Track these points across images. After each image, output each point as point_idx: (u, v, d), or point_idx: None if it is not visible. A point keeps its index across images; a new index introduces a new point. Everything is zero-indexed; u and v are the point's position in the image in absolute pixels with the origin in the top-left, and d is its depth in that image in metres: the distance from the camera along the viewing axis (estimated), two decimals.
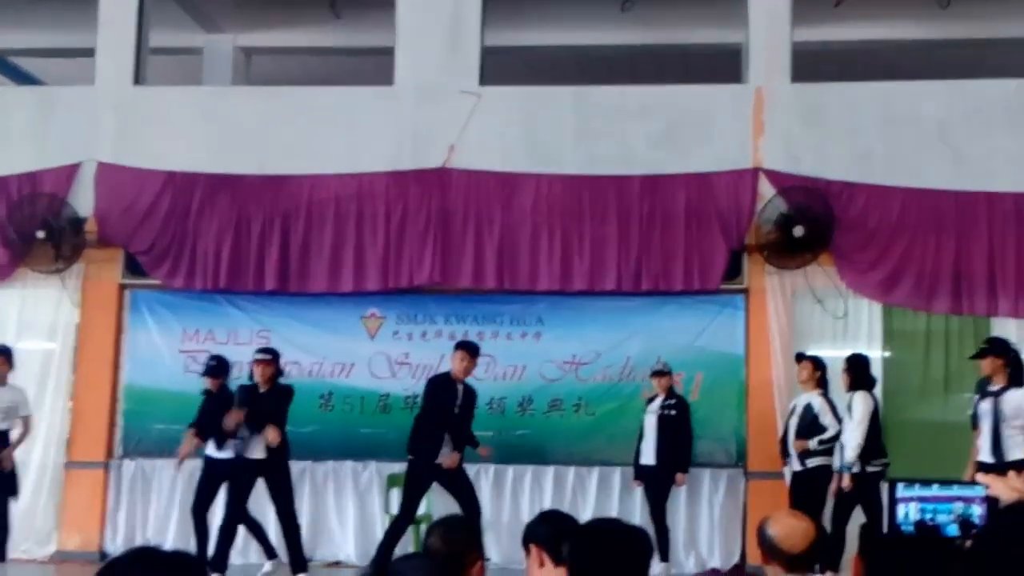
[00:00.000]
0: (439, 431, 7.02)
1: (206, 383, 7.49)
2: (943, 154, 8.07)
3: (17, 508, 8.34)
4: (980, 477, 2.30)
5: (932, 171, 8.05)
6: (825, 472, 7.07)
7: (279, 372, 7.25)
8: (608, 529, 2.51)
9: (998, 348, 6.55)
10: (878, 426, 7.08)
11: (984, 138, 8.04)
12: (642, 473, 7.62)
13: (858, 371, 7.19)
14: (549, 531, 2.85)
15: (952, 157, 8.05)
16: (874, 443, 6.99)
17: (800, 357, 7.40)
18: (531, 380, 8.14)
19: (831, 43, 9.15)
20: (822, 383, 7.28)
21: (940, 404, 8.05)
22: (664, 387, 7.64)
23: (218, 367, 7.47)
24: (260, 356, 7.23)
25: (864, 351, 8.02)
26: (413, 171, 8.37)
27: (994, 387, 6.48)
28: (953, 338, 8.05)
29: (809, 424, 7.16)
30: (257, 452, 7.06)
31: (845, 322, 8.11)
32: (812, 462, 7.13)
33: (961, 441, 7.85)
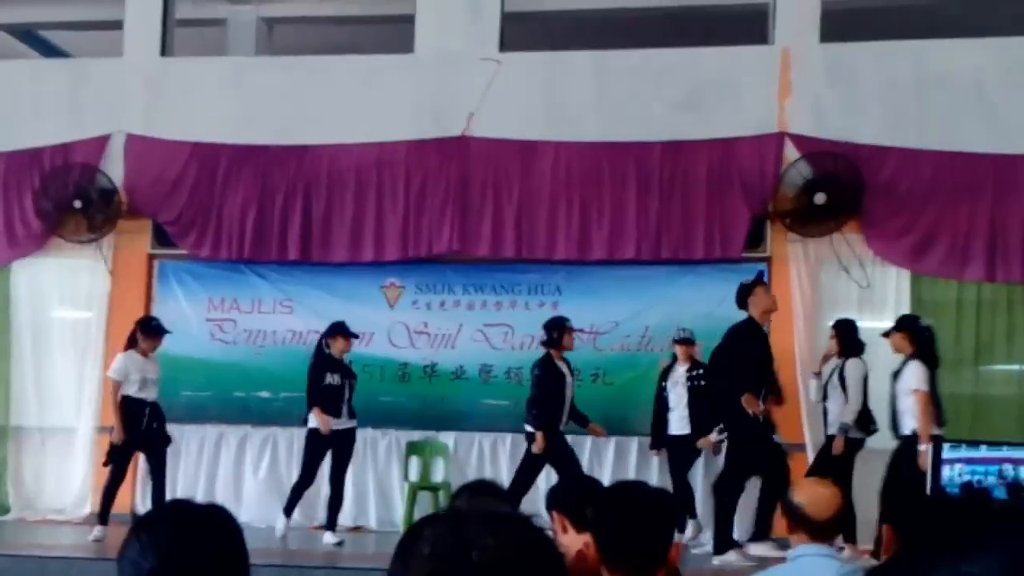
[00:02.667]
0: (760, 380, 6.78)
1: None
2: (979, 115, 7.73)
3: (56, 472, 8.70)
4: None
5: (968, 133, 7.73)
6: (853, 445, 6.93)
7: None
8: (633, 493, 2.48)
9: None
10: (866, 394, 6.97)
11: (1022, 97, 7.68)
12: (671, 443, 7.55)
13: (847, 337, 7.07)
14: (571, 497, 2.83)
15: (989, 118, 7.71)
16: (862, 411, 6.89)
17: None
18: None
19: (862, 0, 8.80)
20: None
21: (971, 376, 7.77)
22: (687, 355, 7.55)
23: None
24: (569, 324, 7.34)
25: (892, 321, 7.81)
26: (433, 139, 8.33)
27: None
28: (985, 307, 7.76)
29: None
30: None
31: (871, 292, 7.88)
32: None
33: (994, 414, 7.61)
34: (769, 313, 6.98)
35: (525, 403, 7.28)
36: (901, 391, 6.65)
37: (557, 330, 7.29)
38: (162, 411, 7.51)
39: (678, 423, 7.52)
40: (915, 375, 6.57)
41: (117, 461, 7.34)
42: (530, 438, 7.20)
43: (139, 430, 7.31)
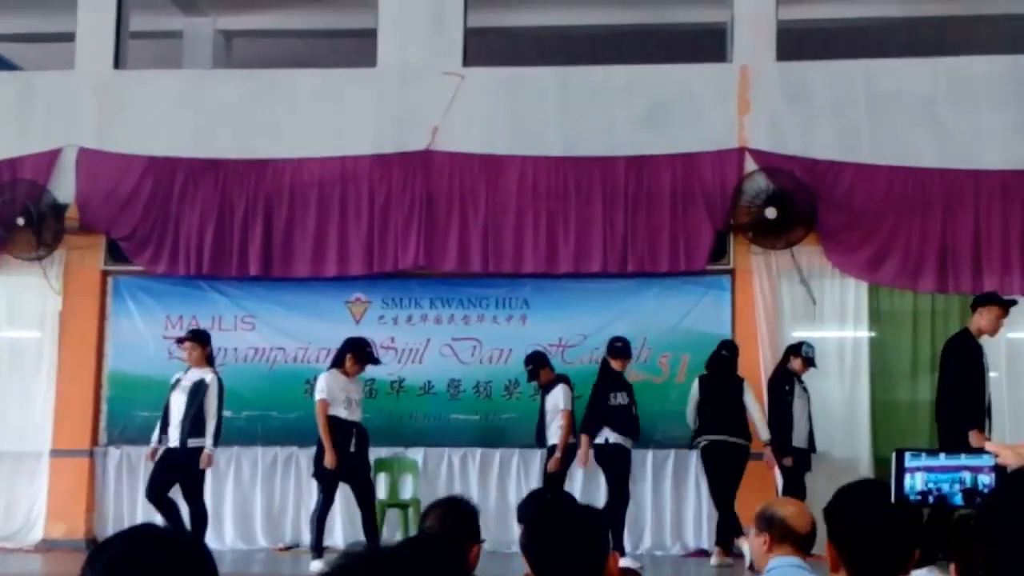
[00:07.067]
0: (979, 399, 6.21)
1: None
2: (929, 132, 8.03)
3: (4, 498, 8.36)
4: (989, 446, 2.31)
5: (918, 149, 8.02)
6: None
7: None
8: (553, 510, 2.42)
9: None
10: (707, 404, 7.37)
11: (970, 115, 8.00)
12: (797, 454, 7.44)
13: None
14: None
15: (938, 135, 8.01)
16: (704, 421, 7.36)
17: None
18: (517, 363, 8.08)
19: (816, 21, 9.09)
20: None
21: (927, 384, 7.99)
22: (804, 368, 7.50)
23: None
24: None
25: (850, 331, 8.05)
26: (397, 154, 8.30)
27: None
28: (939, 317, 8.02)
29: None
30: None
31: (831, 303, 8.10)
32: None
33: None
34: (982, 334, 6.43)
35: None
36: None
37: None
38: (367, 433, 7.10)
39: (802, 436, 7.38)
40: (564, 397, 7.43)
41: (327, 487, 6.92)
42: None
43: (348, 453, 6.90)
